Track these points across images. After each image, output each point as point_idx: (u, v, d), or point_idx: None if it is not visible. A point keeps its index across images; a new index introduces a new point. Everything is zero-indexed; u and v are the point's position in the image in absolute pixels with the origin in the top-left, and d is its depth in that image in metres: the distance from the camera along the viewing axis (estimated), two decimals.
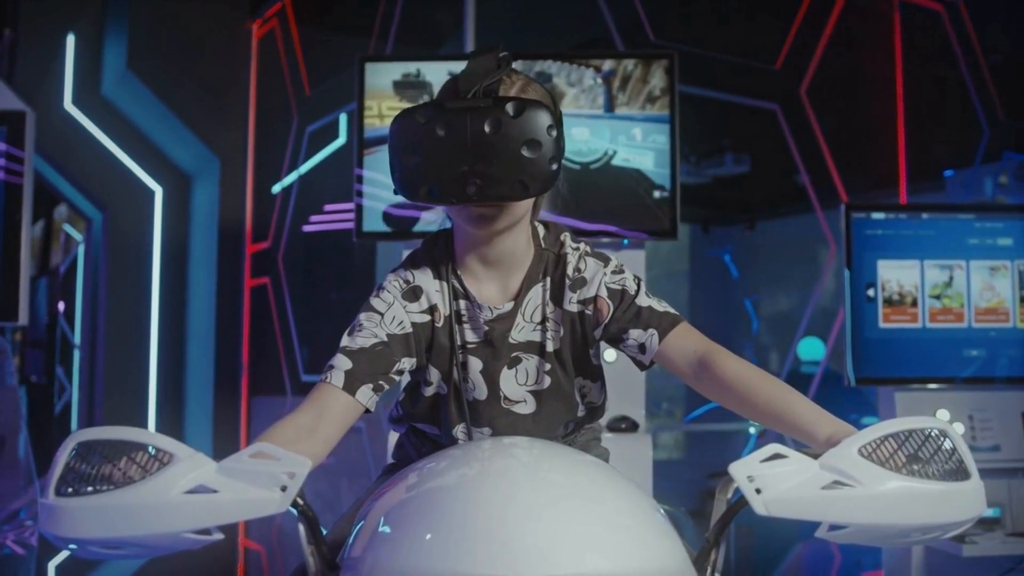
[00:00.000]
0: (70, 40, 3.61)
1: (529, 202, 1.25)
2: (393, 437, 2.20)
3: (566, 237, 1.35)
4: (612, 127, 2.39)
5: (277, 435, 1.09)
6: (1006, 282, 2.51)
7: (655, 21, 3.03)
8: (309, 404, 1.17)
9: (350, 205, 2.45)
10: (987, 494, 0.92)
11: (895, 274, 2.47)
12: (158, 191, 3.80)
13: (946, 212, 2.52)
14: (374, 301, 1.29)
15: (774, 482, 0.86)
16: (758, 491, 0.86)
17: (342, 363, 1.20)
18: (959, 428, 2.40)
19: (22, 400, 3.03)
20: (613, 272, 1.31)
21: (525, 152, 1.12)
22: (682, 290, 6.70)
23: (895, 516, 0.87)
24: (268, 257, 3.89)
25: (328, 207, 3.62)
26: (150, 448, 0.87)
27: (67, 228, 4.93)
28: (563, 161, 1.18)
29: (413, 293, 1.30)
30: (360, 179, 2.42)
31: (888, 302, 2.46)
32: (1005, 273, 2.51)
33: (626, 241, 2.38)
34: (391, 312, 1.27)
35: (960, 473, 0.90)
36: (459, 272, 1.31)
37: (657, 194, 2.35)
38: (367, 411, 1.21)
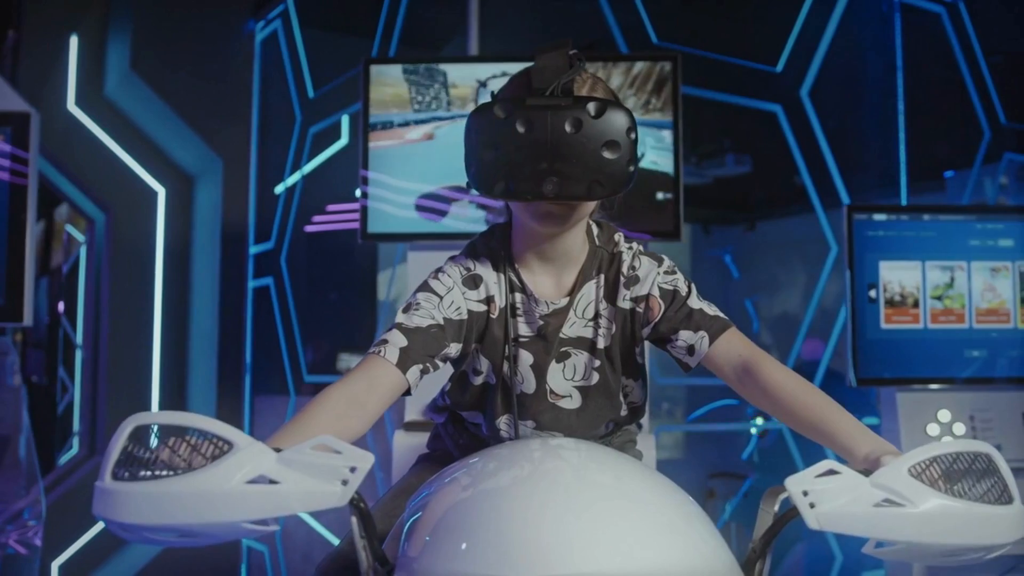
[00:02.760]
0: (73, 41, 3.61)
1: (595, 202, 1.26)
2: (399, 439, 2.23)
3: (620, 236, 1.36)
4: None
5: (328, 407, 1.10)
6: (1007, 283, 2.52)
7: (657, 23, 3.04)
8: (359, 374, 1.17)
9: (353, 205, 2.46)
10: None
11: (896, 275, 2.48)
12: (161, 192, 3.81)
13: (947, 213, 2.54)
14: (433, 283, 1.30)
15: (827, 498, 0.88)
16: (812, 506, 0.88)
17: (397, 339, 1.20)
18: (960, 428, 2.41)
19: (24, 398, 3.03)
20: (666, 272, 1.32)
21: (605, 153, 1.13)
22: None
23: (941, 536, 0.89)
24: (271, 258, 3.90)
25: (331, 207, 3.63)
26: (209, 434, 0.86)
27: (69, 228, 4.94)
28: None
29: (473, 281, 1.31)
30: (366, 180, 2.43)
31: (890, 303, 2.47)
32: (1006, 274, 2.52)
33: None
34: (450, 296, 1.28)
35: (1004, 497, 0.93)
36: (516, 266, 1.32)
37: (660, 195, 2.36)
38: (407, 393, 1.21)
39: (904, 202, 3.37)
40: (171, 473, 0.84)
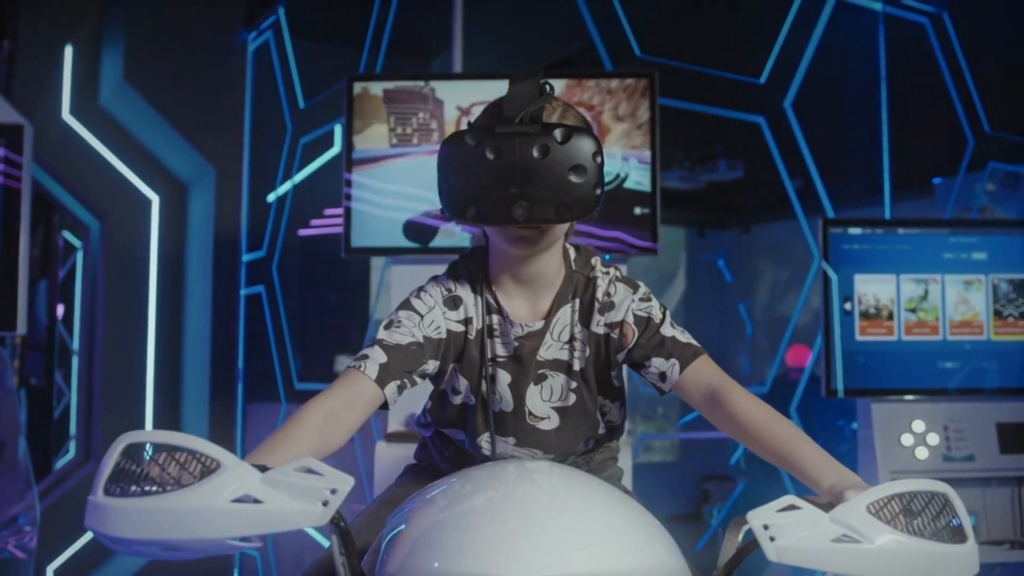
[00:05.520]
0: (68, 51, 3.66)
1: (566, 224, 1.30)
2: (381, 450, 2.27)
3: (596, 261, 1.40)
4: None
5: (310, 421, 1.15)
6: (980, 296, 2.55)
7: (640, 36, 3.07)
8: (339, 389, 1.21)
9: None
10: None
11: (871, 288, 2.51)
12: (155, 200, 3.85)
13: (922, 227, 2.57)
14: (415, 302, 1.34)
15: (787, 532, 0.91)
16: (772, 539, 0.91)
17: (377, 355, 1.25)
18: (934, 439, 2.44)
19: (22, 403, 3.05)
20: (641, 299, 1.35)
21: (571, 177, 1.17)
22: (677, 294, 6.73)
23: (896, 572, 0.92)
24: (262, 266, 3.93)
25: (329, 211, 3.66)
26: (197, 453, 0.90)
27: (66, 235, 4.97)
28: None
29: (453, 302, 1.35)
30: (349, 182, 2.45)
31: (864, 315, 2.50)
32: (979, 287, 2.55)
33: (608, 256, 2.42)
34: (431, 315, 1.32)
35: (958, 536, 0.96)
36: (493, 288, 1.36)
37: (638, 210, 2.40)
38: (385, 407, 1.25)
39: (888, 211, 3.40)
40: (160, 490, 0.88)
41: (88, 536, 3.55)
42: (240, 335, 4.01)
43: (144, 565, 3.69)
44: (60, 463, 4.40)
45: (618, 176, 2.40)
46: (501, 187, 1.17)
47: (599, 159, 1.19)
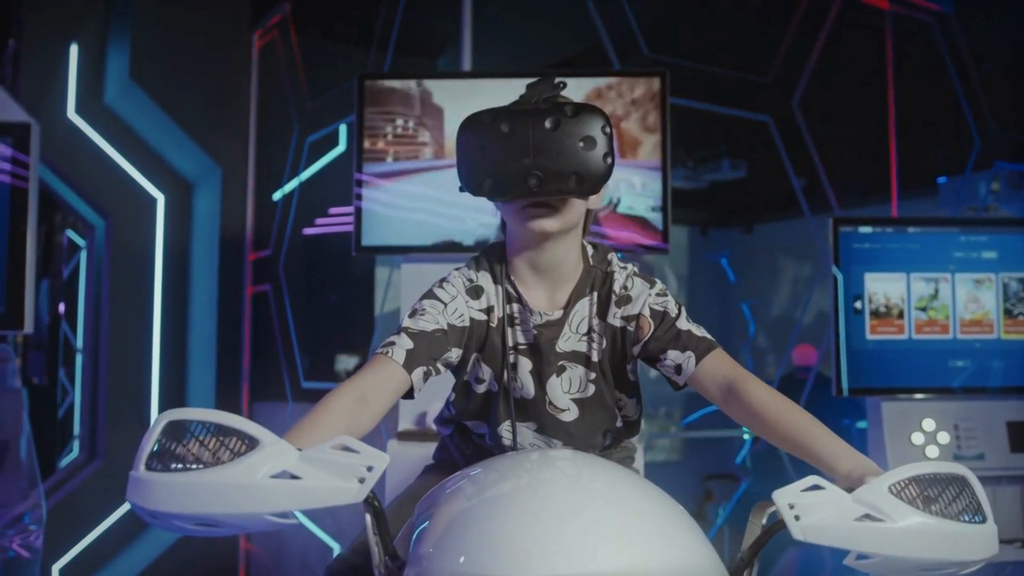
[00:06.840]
0: (73, 50, 3.65)
1: (581, 211, 1.34)
2: (392, 448, 2.27)
3: (613, 257, 1.44)
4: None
5: (340, 405, 1.16)
6: (991, 294, 2.56)
7: (648, 35, 3.08)
8: (367, 374, 1.24)
9: (351, 209, 2.48)
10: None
11: (882, 286, 2.52)
12: (160, 199, 3.84)
13: (932, 226, 2.57)
14: (438, 291, 1.37)
15: (811, 511, 0.94)
16: (797, 518, 0.93)
17: (404, 342, 1.27)
18: (944, 437, 2.45)
19: (25, 402, 3.04)
20: (658, 294, 1.38)
21: (582, 147, 1.22)
22: (680, 294, 6.74)
23: (917, 551, 0.94)
24: (269, 264, 3.93)
25: (333, 210, 3.67)
26: (236, 431, 0.92)
27: (70, 233, 4.97)
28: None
29: (475, 292, 1.39)
30: (360, 182, 2.46)
31: (875, 314, 2.51)
32: (990, 286, 2.56)
33: (620, 255, 2.42)
34: (454, 304, 1.35)
35: (978, 516, 0.98)
36: (512, 278, 1.39)
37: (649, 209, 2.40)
38: (410, 395, 1.27)
39: (895, 210, 3.41)
40: (200, 466, 0.90)
41: (94, 535, 3.55)
42: (246, 334, 4.00)
43: (150, 563, 3.68)
44: (64, 462, 4.40)
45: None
46: (515, 159, 1.22)
47: (608, 130, 1.23)
